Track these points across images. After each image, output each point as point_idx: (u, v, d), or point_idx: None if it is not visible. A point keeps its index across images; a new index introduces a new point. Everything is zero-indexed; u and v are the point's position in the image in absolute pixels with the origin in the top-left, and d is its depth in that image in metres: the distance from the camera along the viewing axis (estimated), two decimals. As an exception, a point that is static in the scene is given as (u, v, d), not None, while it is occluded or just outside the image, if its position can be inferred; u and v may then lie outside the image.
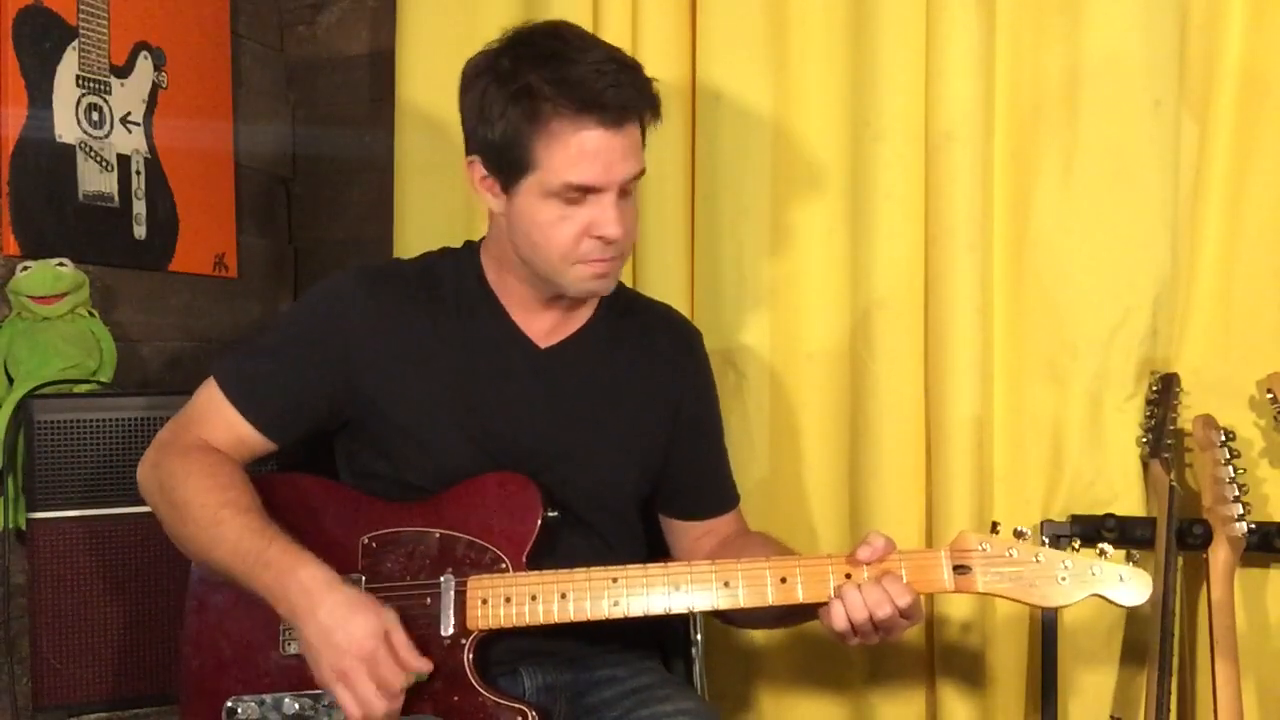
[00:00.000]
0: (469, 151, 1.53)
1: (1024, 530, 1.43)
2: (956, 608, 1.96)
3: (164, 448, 1.53)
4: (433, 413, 1.55)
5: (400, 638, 1.39)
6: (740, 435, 2.07)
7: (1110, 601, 1.41)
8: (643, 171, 1.50)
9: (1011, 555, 1.41)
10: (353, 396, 1.56)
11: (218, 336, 2.53)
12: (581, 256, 1.49)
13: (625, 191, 1.49)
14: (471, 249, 1.65)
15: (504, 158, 1.48)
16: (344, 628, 1.36)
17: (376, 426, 1.57)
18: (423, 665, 1.40)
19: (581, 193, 1.46)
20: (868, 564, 1.41)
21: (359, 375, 1.55)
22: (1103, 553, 1.41)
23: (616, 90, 1.43)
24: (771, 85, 2.09)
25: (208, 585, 1.54)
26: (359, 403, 1.56)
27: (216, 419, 1.54)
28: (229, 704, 1.48)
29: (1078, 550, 1.41)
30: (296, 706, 1.46)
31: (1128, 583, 1.40)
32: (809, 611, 1.47)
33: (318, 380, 1.55)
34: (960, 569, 1.42)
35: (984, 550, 1.42)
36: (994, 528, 1.44)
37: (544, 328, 1.61)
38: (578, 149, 1.44)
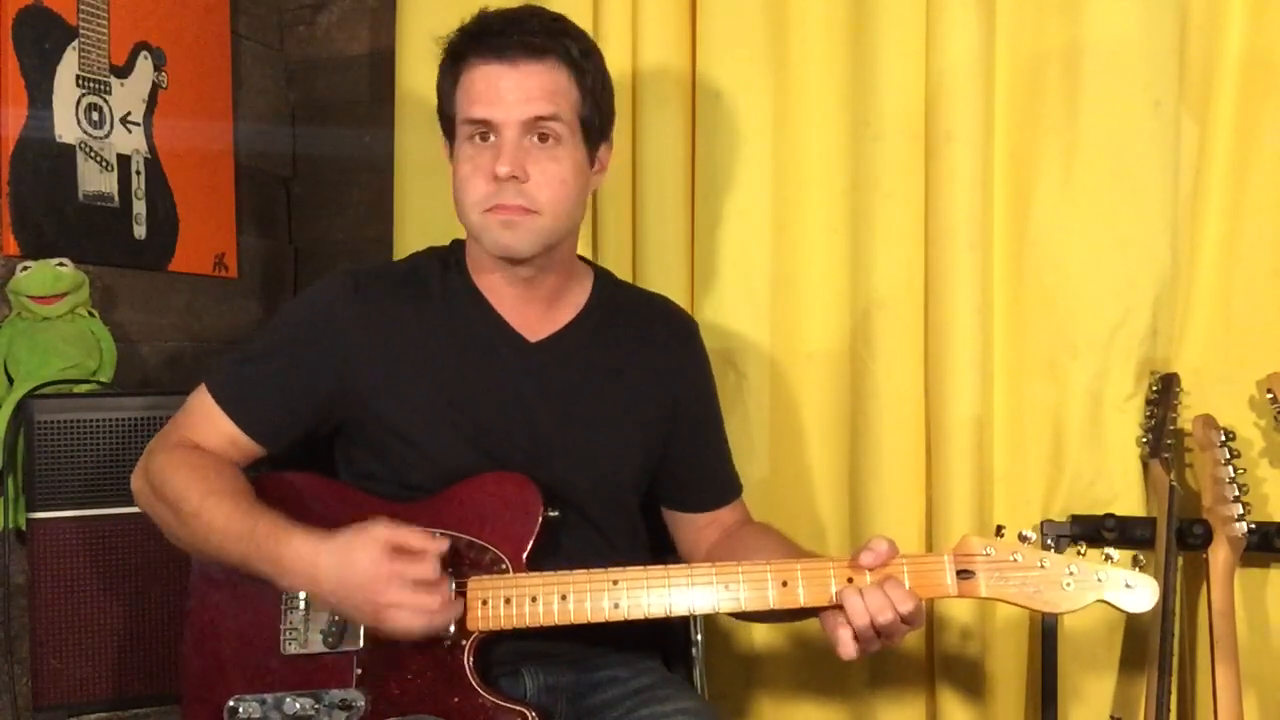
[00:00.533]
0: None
1: (1029, 534, 1.41)
2: (957, 611, 1.96)
3: (152, 453, 1.54)
4: (426, 413, 1.55)
5: (403, 535, 1.38)
6: (740, 435, 2.07)
7: (1116, 608, 1.39)
8: (555, 117, 1.49)
9: (1016, 560, 1.39)
10: (345, 400, 1.56)
11: (217, 336, 2.53)
12: (487, 202, 1.49)
13: (544, 137, 1.49)
14: (458, 247, 1.64)
15: (444, 121, 1.55)
16: (351, 566, 1.36)
17: (371, 429, 1.57)
18: (439, 544, 1.39)
19: (481, 130, 1.48)
20: (870, 569, 1.40)
21: (350, 378, 1.55)
22: (1109, 558, 1.39)
23: (513, 30, 1.48)
24: (771, 85, 2.09)
25: (209, 584, 1.54)
26: (352, 406, 1.56)
27: (208, 425, 1.54)
28: (230, 703, 1.48)
29: (1083, 554, 1.39)
30: (297, 706, 1.46)
31: (1134, 589, 1.38)
32: (809, 614, 1.47)
33: (309, 385, 1.55)
34: (964, 573, 1.40)
35: (988, 555, 1.40)
36: (999, 531, 1.42)
37: (533, 322, 1.60)
38: (471, 82, 1.49)
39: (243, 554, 1.43)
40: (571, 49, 1.51)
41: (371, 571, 1.35)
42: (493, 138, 1.48)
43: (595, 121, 1.55)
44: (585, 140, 1.54)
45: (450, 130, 1.55)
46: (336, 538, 1.39)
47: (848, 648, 1.38)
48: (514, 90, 1.47)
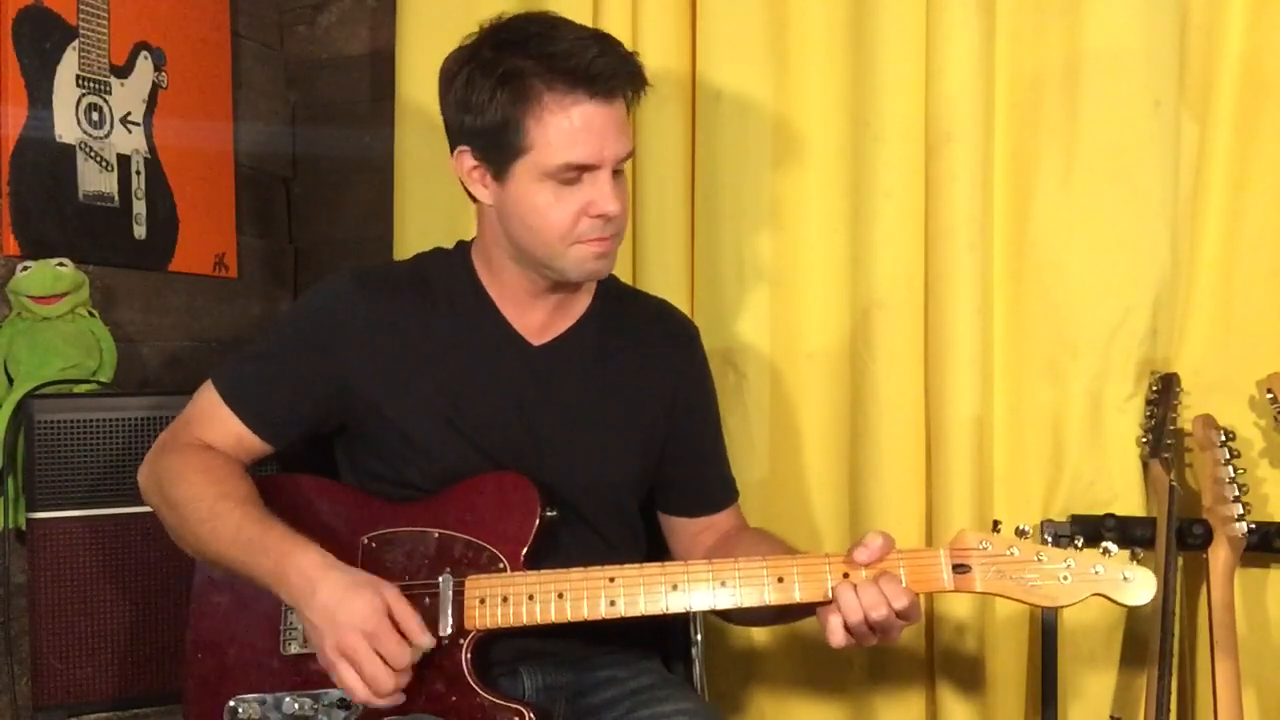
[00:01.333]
0: (455, 144, 1.53)
1: (1025, 529, 1.41)
2: (956, 607, 1.96)
3: (162, 450, 1.54)
4: (429, 413, 1.55)
5: (403, 611, 1.37)
6: (740, 435, 2.07)
7: (1114, 601, 1.39)
8: (632, 152, 1.50)
9: (1012, 554, 1.39)
10: (349, 399, 1.56)
11: (218, 336, 2.53)
12: (579, 236, 1.48)
13: (617, 171, 1.49)
14: (463, 248, 1.65)
15: (495, 143, 1.47)
16: (345, 605, 1.35)
17: (374, 428, 1.57)
18: (426, 639, 1.38)
19: (578, 172, 1.45)
20: (865, 566, 1.40)
21: (355, 378, 1.55)
22: (1106, 552, 1.38)
23: (604, 60, 1.44)
24: (771, 85, 2.09)
25: (211, 586, 1.55)
26: (355, 405, 1.57)
27: (215, 422, 1.55)
28: (231, 704, 1.48)
29: (1080, 549, 1.39)
30: (297, 706, 1.47)
31: (1132, 582, 1.38)
32: (808, 612, 1.47)
33: (314, 384, 1.55)
34: (960, 568, 1.40)
35: (984, 549, 1.40)
36: (995, 526, 1.42)
37: (537, 325, 1.60)
38: (570, 125, 1.43)
39: (246, 563, 1.42)
40: (637, 73, 1.49)
41: (359, 618, 1.34)
42: (583, 175, 1.46)
43: None
44: None
45: (500, 151, 1.47)
46: (346, 572, 1.39)
47: (837, 635, 1.38)
48: (613, 132, 1.46)
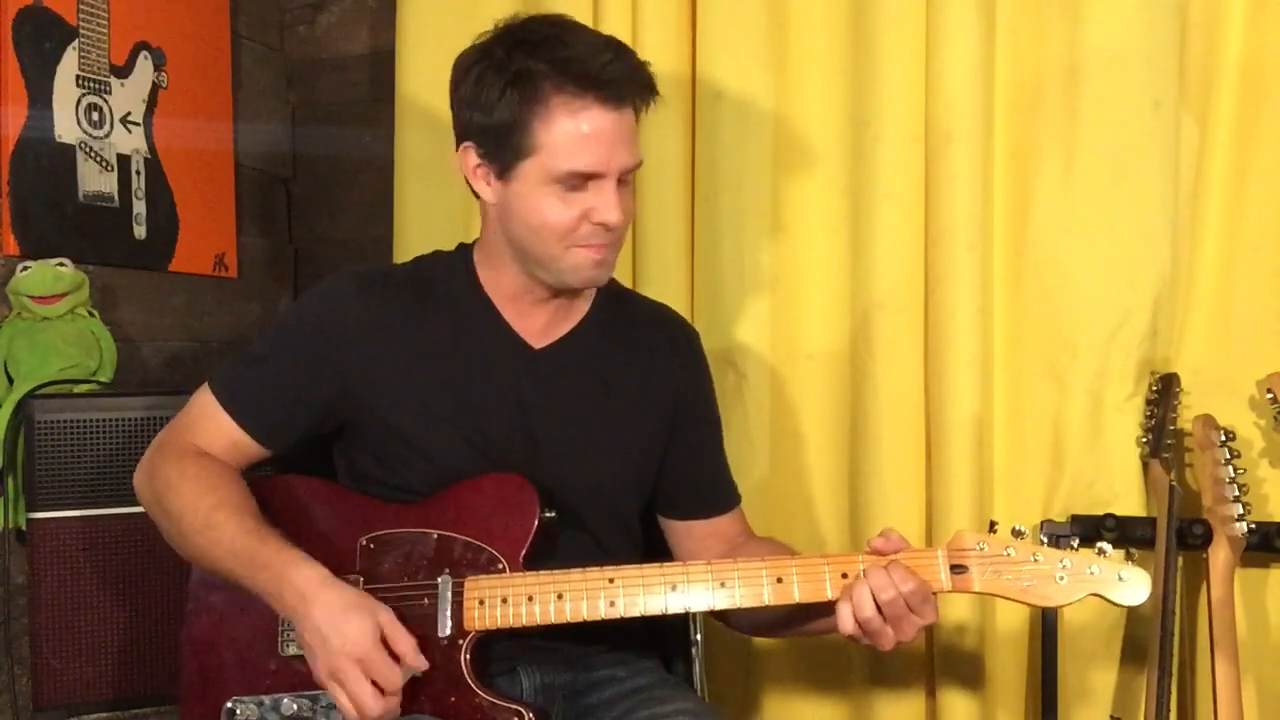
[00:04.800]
0: (460, 140, 1.53)
1: (1022, 529, 1.42)
2: (956, 608, 1.96)
3: (158, 454, 1.54)
4: (428, 416, 1.55)
5: (397, 634, 1.39)
6: (740, 435, 2.07)
7: (1109, 601, 1.40)
8: (640, 163, 1.50)
9: (1009, 555, 1.40)
10: (347, 402, 1.56)
11: (218, 336, 2.53)
12: (579, 240, 1.48)
13: (624, 180, 1.49)
14: (464, 251, 1.64)
15: (502, 142, 1.47)
16: (338, 629, 1.36)
17: (372, 431, 1.57)
18: (419, 663, 1.40)
19: (583, 179, 1.45)
20: (880, 553, 1.41)
21: (353, 381, 1.55)
22: (1101, 552, 1.39)
23: (615, 66, 1.43)
24: (771, 85, 2.09)
25: (207, 586, 1.54)
26: (354, 408, 1.56)
27: (211, 426, 1.54)
28: (228, 705, 1.48)
29: (1076, 550, 1.40)
30: (295, 707, 1.46)
31: (1127, 582, 1.39)
32: (813, 618, 1.48)
33: (311, 387, 1.55)
34: (957, 568, 1.41)
35: (981, 549, 1.41)
36: (991, 527, 1.43)
37: (537, 328, 1.60)
38: (578, 130, 1.43)
39: (243, 574, 1.43)
40: (648, 83, 1.49)
41: (351, 642, 1.36)
42: (590, 183, 1.46)
43: None
44: None
45: (507, 150, 1.47)
46: (342, 592, 1.40)
47: (846, 622, 1.39)
48: (622, 142, 1.46)
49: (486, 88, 1.46)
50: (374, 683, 1.36)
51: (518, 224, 1.50)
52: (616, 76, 1.43)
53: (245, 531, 1.43)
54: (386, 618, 1.39)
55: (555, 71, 1.42)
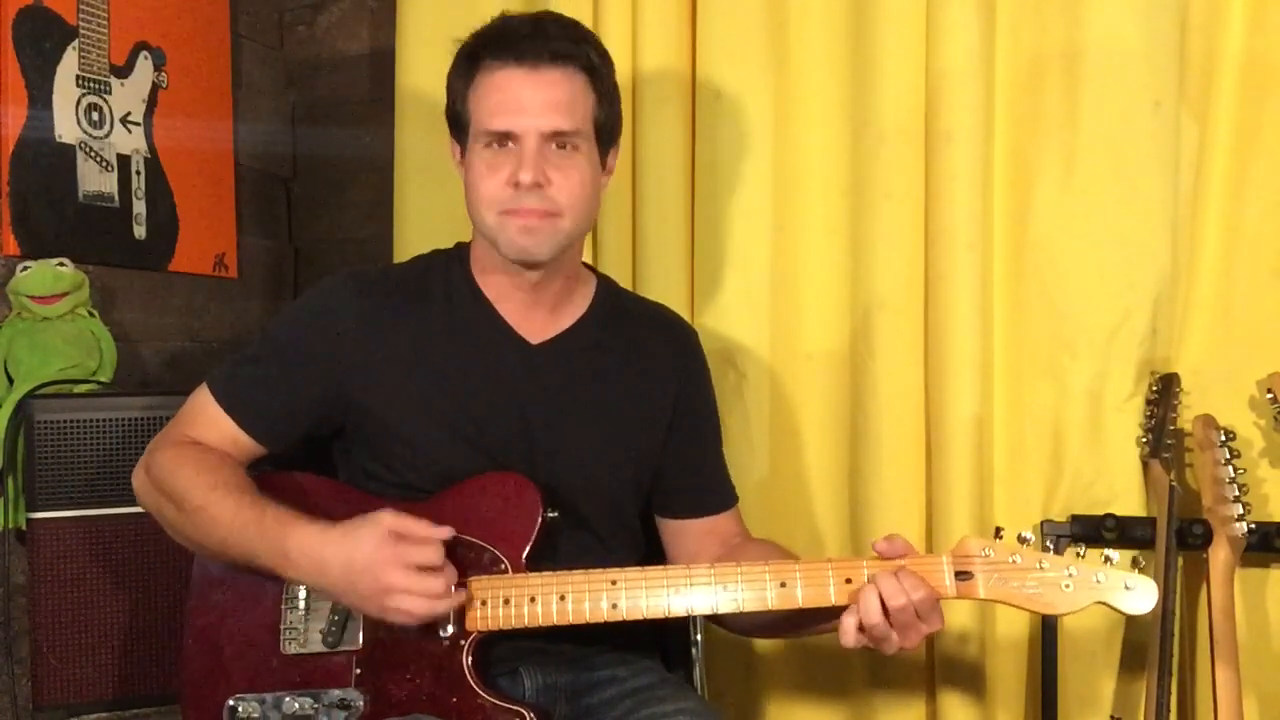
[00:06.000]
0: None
1: (1028, 536, 1.41)
2: (957, 612, 1.95)
3: (155, 449, 1.55)
4: (426, 414, 1.55)
5: (406, 523, 1.40)
6: (740, 435, 2.07)
7: (1116, 610, 1.39)
8: (576, 131, 1.50)
9: (1015, 562, 1.39)
10: (345, 402, 1.56)
11: (218, 336, 2.53)
12: (506, 205, 1.49)
13: (561, 144, 1.49)
14: (461, 248, 1.65)
15: (456, 122, 1.55)
16: (354, 552, 1.38)
17: (371, 430, 1.57)
18: (444, 530, 1.41)
19: (502, 139, 1.48)
20: (885, 558, 1.41)
21: (350, 380, 1.55)
22: (1108, 559, 1.38)
23: (537, 36, 1.49)
24: (771, 85, 2.09)
25: (209, 584, 1.54)
26: (352, 407, 1.57)
27: (209, 424, 1.55)
28: (230, 703, 1.48)
29: (1082, 556, 1.39)
30: (297, 706, 1.46)
31: (1134, 591, 1.38)
32: (810, 620, 1.47)
33: (309, 386, 1.55)
34: (962, 575, 1.40)
35: (987, 556, 1.40)
36: (997, 533, 1.42)
37: (535, 325, 1.60)
38: (494, 90, 1.48)
39: (248, 547, 1.44)
40: (591, 55, 1.52)
41: (375, 555, 1.37)
42: (511, 145, 1.48)
43: (608, 127, 1.56)
44: (598, 145, 1.55)
45: (461, 131, 1.55)
46: (341, 525, 1.41)
47: (849, 636, 1.39)
48: (535, 99, 1.47)
49: (451, 79, 1.55)
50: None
51: (468, 199, 1.54)
52: (533, 34, 1.48)
53: (244, 506, 1.44)
54: (388, 516, 1.40)
55: (484, 44, 1.50)
